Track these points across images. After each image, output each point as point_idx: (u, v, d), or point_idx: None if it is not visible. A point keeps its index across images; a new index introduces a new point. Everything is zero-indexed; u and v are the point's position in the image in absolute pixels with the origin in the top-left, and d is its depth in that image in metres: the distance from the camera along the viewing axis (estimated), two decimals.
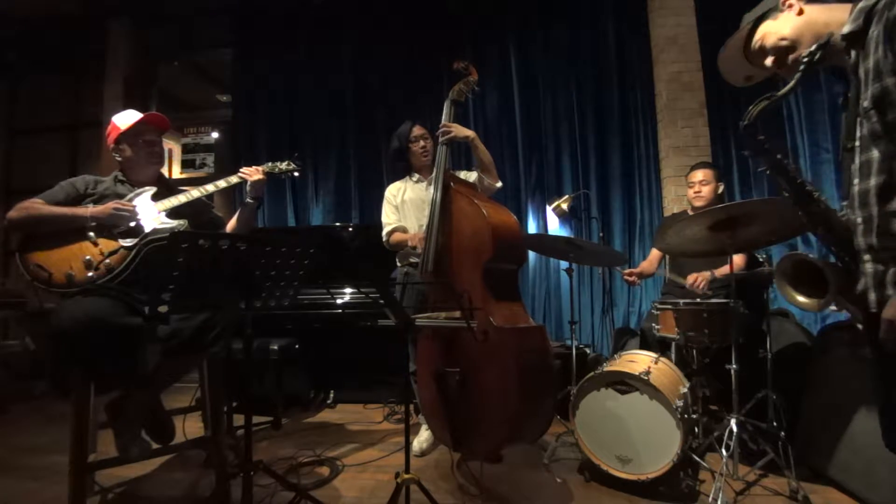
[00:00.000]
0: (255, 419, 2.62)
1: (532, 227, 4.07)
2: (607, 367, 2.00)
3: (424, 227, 2.25)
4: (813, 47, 1.02)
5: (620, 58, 4.03)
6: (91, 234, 1.73)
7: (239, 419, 2.29)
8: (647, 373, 1.88)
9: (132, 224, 1.78)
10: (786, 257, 1.25)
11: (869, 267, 1.03)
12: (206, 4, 4.67)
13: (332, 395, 3.38)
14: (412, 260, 2.42)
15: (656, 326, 2.34)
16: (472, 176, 2.47)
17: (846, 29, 1.01)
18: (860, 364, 1.79)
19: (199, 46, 4.98)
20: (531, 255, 3.84)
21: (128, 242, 1.75)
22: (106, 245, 1.74)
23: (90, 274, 1.68)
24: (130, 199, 1.83)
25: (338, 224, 4.26)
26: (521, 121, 4.13)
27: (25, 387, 3.58)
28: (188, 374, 2.06)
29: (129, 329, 1.58)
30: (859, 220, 1.03)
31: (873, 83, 0.95)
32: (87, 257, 1.69)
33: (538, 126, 4.12)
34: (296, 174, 2.23)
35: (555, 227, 3.96)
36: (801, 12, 1.09)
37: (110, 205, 1.75)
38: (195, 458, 2.24)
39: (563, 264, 3.05)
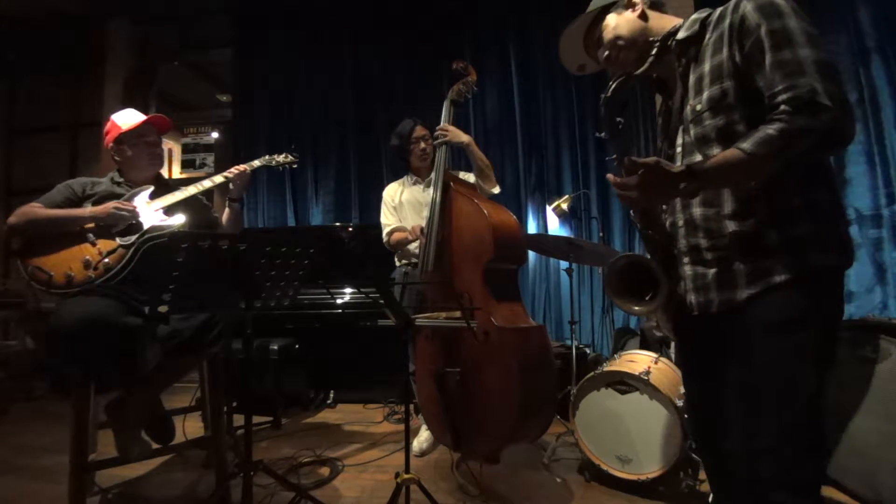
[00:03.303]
0: (255, 419, 2.62)
1: (532, 227, 4.06)
2: (607, 367, 2.01)
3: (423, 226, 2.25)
4: (659, 38, 1.05)
5: None
6: (90, 234, 1.73)
7: (239, 419, 2.29)
8: (647, 373, 1.88)
9: (132, 223, 1.78)
10: (612, 264, 1.13)
11: (688, 269, 1.04)
12: (206, 4, 4.67)
13: (332, 395, 3.38)
14: (407, 261, 2.42)
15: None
16: (470, 178, 2.46)
17: (681, 35, 1.04)
18: (860, 364, 1.79)
19: (199, 46, 4.96)
20: (531, 255, 3.84)
21: (126, 241, 1.75)
22: (104, 245, 1.73)
23: (89, 274, 1.67)
24: (129, 199, 1.83)
25: (338, 224, 4.25)
26: (521, 121, 4.12)
27: (25, 387, 3.58)
28: (188, 374, 2.06)
29: (129, 329, 1.58)
30: (681, 222, 1.05)
31: (710, 86, 0.96)
32: (86, 257, 1.69)
33: (538, 126, 4.11)
34: (294, 165, 2.24)
35: (555, 227, 3.96)
36: (642, 15, 1.10)
37: (110, 204, 1.75)
38: (195, 458, 2.24)
39: (563, 264, 3.05)
